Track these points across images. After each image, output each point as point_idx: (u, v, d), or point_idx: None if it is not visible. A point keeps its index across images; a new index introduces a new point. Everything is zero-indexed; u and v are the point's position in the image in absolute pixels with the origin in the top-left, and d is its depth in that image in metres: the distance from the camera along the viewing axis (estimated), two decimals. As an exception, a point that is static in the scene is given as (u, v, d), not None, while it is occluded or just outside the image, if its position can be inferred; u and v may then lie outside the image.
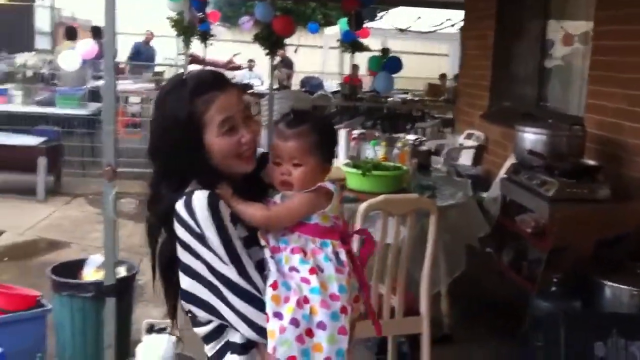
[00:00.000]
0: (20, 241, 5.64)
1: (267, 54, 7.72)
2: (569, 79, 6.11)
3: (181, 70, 10.29)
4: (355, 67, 11.61)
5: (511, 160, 5.86)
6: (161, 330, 2.94)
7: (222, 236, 1.50)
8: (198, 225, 1.49)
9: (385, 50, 9.21)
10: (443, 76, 13.82)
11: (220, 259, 1.50)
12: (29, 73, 7.51)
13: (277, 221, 1.57)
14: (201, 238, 1.50)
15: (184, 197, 1.52)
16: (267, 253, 1.55)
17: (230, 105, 1.56)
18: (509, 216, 5.00)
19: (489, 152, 6.88)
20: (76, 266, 3.61)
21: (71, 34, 9.97)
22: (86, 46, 8.08)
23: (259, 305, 1.49)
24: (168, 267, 1.59)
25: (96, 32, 10.06)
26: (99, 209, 6.70)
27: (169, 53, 16.13)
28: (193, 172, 1.56)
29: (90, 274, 3.48)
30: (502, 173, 5.63)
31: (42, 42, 12.77)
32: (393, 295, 3.04)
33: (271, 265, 1.53)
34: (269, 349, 1.47)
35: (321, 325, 1.49)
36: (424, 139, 5.93)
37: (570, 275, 3.65)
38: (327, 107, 10.61)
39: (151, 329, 2.98)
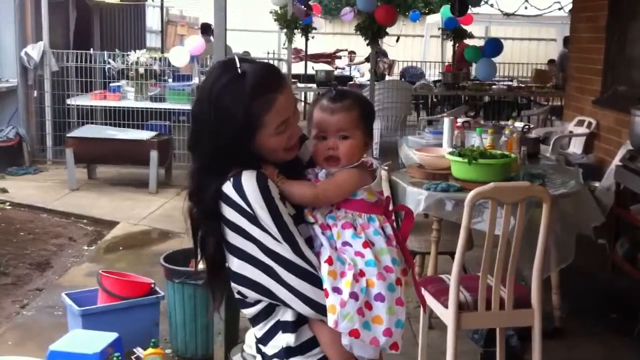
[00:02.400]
0: (134, 231, 5.90)
1: (368, 44, 7.69)
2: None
3: (284, 66, 10.46)
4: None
5: (626, 147, 5.58)
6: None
7: (273, 214, 1.49)
8: (249, 205, 1.49)
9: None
10: (551, 62, 13.32)
11: (273, 237, 1.49)
12: (141, 70, 7.81)
13: (325, 198, 1.58)
14: (253, 218, 1.49)
15: (232, 178, 1.51)
16: (317, 230, 1.56)
17: (288, 106, 1.55)
18: (624, 206, 4.76)
19: (600, 139, 6.57)
20: (188, 254, 3.72)
21: (206, 29, 10.37)
22: (194, 43, 8.32)
23: (315, 281, 1.49)
24: (215, 255, 1.58)
25: (205, 29, 10.36)
26: (207, 200, 6.91)
27: (270, 47, 16.42)
28: (236, 162, 1.55)
29: (202, 262, 3.57)
30: (616, 161, 5.37)
31: (152, 41, 13.27)
32: (502, 287, 2.95)
33: (323, 241, 1.54)
34: (330, 324, 1.47)
35: (379, 297, 1.50)
36: (531, 126, 5.73)
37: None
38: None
39: (259, 317, 3.03)
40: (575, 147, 6.87)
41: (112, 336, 3.22)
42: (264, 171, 1.55)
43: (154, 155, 7.06)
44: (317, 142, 1.62)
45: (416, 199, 3.54)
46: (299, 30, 10.51)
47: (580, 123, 6.95)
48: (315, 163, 1.65)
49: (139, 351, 3.36)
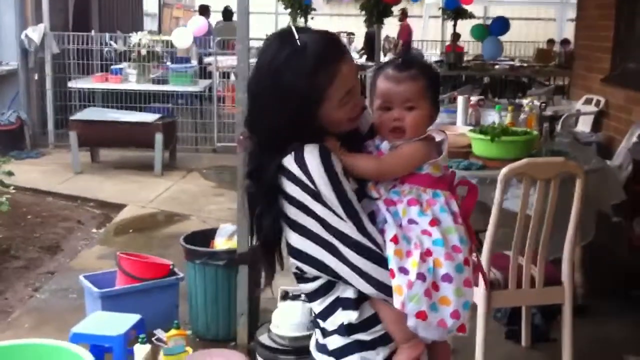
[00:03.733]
0: (143, 214, 5.84)
1: (372, 25, 7.60)
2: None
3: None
4: (456, 36, 11.28)
5: (638, 125, 5.54)
6: (296, 297, 2.94)
7: (337, 191, 1.43)
8: (312, 181, 1.43)
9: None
10: (550, 41, 13.26)
11: (337, 215, 1.44)
12: (143, 52, 7.70)
13: (390, 172, 1.51)
14: (315, 194, 1.44)
15: (293, 152, 1.45)
16: (382, 206, 1.49)
17: (351, 76, 1.48)
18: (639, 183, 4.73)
19: (610, 117, 6.53)
20: (207, 235, 3.68)
21: (204, 11, 10.26)
22: (197, 24, 8.21)
23: (379, 260, 1.43)
24: (270, 233, 1.52)
25: (203, 11, 10.25)
26: (214, 182, 6.88)
27: (268, 30, 16.29)
28: (300, 138, 1.48)
29: (222, 242, 3.54)
30: (632, 138, 5.33)
31: (149, 24, 13.13)
32: (533, 265, 2.92)
33: (388, 218, 1.47)
34: (397, 305, 1.42)
35: (447, 278, 1.44)
36: (546, 104, 5.67)
37: None
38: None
39: (286, 296, 2.99)
40: (584, 126, 6.82)
41: (134, 318, 3.18)
42: (327, 144, 1.49)
43: (159, 138, 6.98)
44: (381, 113, 1.55)
45: (438, 177, 3.49)
46: (300, 12, 10.39)
47: (588, 101, 6.90)
48: (377, 134, 1.58)
49: (160, 333, 3.31)
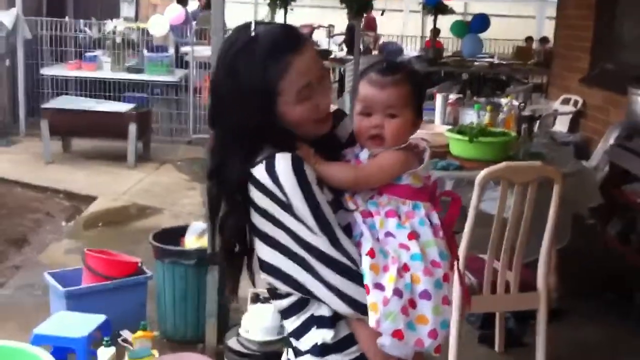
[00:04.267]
0: (114, 207, 5.71)
1: (353, 18, 7.51)
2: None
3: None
4: (436, 31, 11.24)
5: (616, 127, 5.53)
6: (266, 300, 2.87)
7: (310, 202, 1.36)
8: (283, 193, 1.36)
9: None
10: (529, 39, 13.26)
11: (309, 228, 1.36)
12: (118, 39, 7.54)
13: (367, 181, 1.44)
14: (286, 206, 1.36)
15: (264, 162, 1.38)
16: (358, 217, 1.42)
17: (309, 68, 1.40)
18: (615, 186, 4.72)
19: (587, 118, 6.53)
20: (177, 233, 3.58)
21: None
22: (174, 12, 8.06)
23: (355, 277, 1.36)
24: (233, 239, 1.46)
25: (181, -1, 10.06)
26: (188, 175, 6.76)
27: (246, 20, 16.09)
28: (264, 138, 1.42)
29: (192, 241, 3.44)
30: (609, 140, 5.32)
31: (126, 10, 12.91)
32: (508, 270, 2.87)
33: (364, 230, 1.40)
34: (372, 323, 1.34)
35: (425, 295, 1.37)
36: (525, 104, 5.64)
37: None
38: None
39: (256, 299, 2.92)
40: (561, 126, 6.81)
41: (99, 319, 3.08)
42: (299, 151, 1.41)
43: (132, 128, 6.85)
44: (361, 119, 1.47)
45: (414, 178, 3.43)
46: (279, 2, 10.27)
47: (566, 101, 6.89)
48: (357, 141, 1.51)
49: (126, 334, 3.22)
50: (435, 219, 1.44)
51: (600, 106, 6.21)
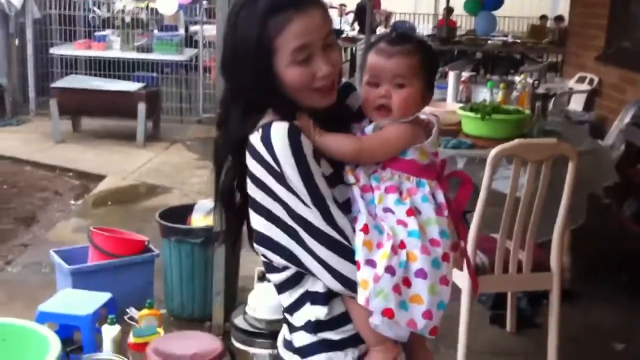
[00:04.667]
0: (123, 185, 5.68)
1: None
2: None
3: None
4: (449, 9, 11.09)
5: (632, 105, 5.42)
6: (265, 279, 2.82)
7: (303, 174, 1.30)
8: (277, 162, 1.30)
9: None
10: (543, 17, 13.09)
11: (302, 200, 1.31)
12: (127, 19, 7.48)
13: (370, 154, 1.37)
14: (280, 177, 1.31)
15: (261, 129, 1.33)
16: (356, 192, 1.35)
17: (308, 30, 1.33)
18: (631, 165, 4.63)
19: (603, 97, 6.42)
20: (184, 211, 3.54)
21: None
22: (183, -10, 7.99)
23: (346, 253, 1.30)
24: (231, 195, 1.43)
25: (190, -23, 9.95)
26: (197, 155, 6.72)
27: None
28: (266, 99, 1.37)
29: (199, 219, 3.40)
30: (625, 118, 5.22)
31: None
32: (521, 250, 2.80)
33: (360, 205, 1.33)
34: (361, 301, 1.28)
35: (420, 274, 1.29)
36: (539, 81, 5.54)
37: None
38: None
39: (263, 277, 2.87)
40: (576, 104, 6.70)
41: (105, 296, 3.05)
42: (298, 121, 1.35)
43: (141, 107, 6.80)
44: (368, 89, 1.40)
45: (425, 156, 3.36)
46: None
47: (581, 80, 6.77)
48: (364, 113, 1.44)
49: (132, 312, 3.19)
50: (441, 197, 1.37)
51: (616, 84, 6.10)
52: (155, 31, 8.28)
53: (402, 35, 1.44)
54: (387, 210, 1.33)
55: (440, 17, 12.33)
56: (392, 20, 12.85)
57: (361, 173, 1.37)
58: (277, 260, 1.38)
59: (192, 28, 9.22)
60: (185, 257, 3.31)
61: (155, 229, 3.73)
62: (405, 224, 1.31)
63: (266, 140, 1.32)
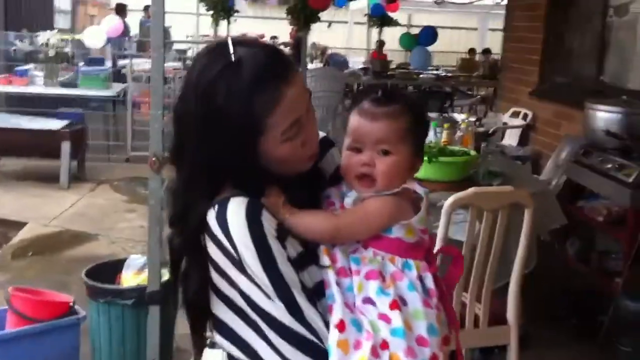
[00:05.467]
0: (45, 233, 5.30)
1: (301, 30, 7.32)
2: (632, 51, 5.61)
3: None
4: (381, 43, 11.14)
5: (566, 141, 5.44)
6: (214, 345, 2.57)
7: (265, 262, 1.13)
8: (234, 247, 1.13)
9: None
10: (472, 51, 13.34)
11: (263, 291, 1.13)
12: (51, 52, 7.11)
13: (349, 233, 1.19)
14: (238, 264, 1.14)
15: (217, 205, 1.15)
16: (331, 277, 1.17)
17: (299, 102, 1.18)
18: (570, 202, 4.60)
19: (537, 132, 6.45)
20: (113, 267, 3.25)
21: (120, 10, 9.65)
22: (112, 23, 7.67)
23: (316, 353, 1.13)
24: (198, 298, 1.24)
25: (120, 10, 9.69)
26: (126, 196, 6.39)
27: (189, 30, 15.75)
28: (234, 177, 1.19)
29: (130, 277, 3.12)
30: (562, 154, 5.22)
31: (61, 21, 12.40)
32: (477, 303, 2.65)
33: (336, 293, 1.15)
34: None
35: None
36: (481, 119, 5.51)
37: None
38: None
39: (213, 344, 2.62)
40: (511, 139, 6.73)
41: (24, 368, 2.73)
42: (267, 198, 1.16)
43: (66, 147, 6.44)
44: (350, 154, 1.23)
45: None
46: (222, 13, 10.01)
47: (515, 114, 6.81)
48: (344, 179, 1.26)
49: (56, 382, 2.88)
50: (429, 282, 1.19)
51: (551, 120, 6.14)
52: (81, 65, 7.94)
53: (389, 93, 1.25)
54: (367, 301, 1.15)
55: (372, 51, 12.39)
56: (327, 54, 12.85)
57: (338, 253, 1.18)
58: (237, 354, 1.20)
59: (121, 62, 8.90)
60: (115, 320, 3.02)
61: (80, 282, 3.42)
62: (388, 320, 1.13)
63: (221, 220, 1.13)
